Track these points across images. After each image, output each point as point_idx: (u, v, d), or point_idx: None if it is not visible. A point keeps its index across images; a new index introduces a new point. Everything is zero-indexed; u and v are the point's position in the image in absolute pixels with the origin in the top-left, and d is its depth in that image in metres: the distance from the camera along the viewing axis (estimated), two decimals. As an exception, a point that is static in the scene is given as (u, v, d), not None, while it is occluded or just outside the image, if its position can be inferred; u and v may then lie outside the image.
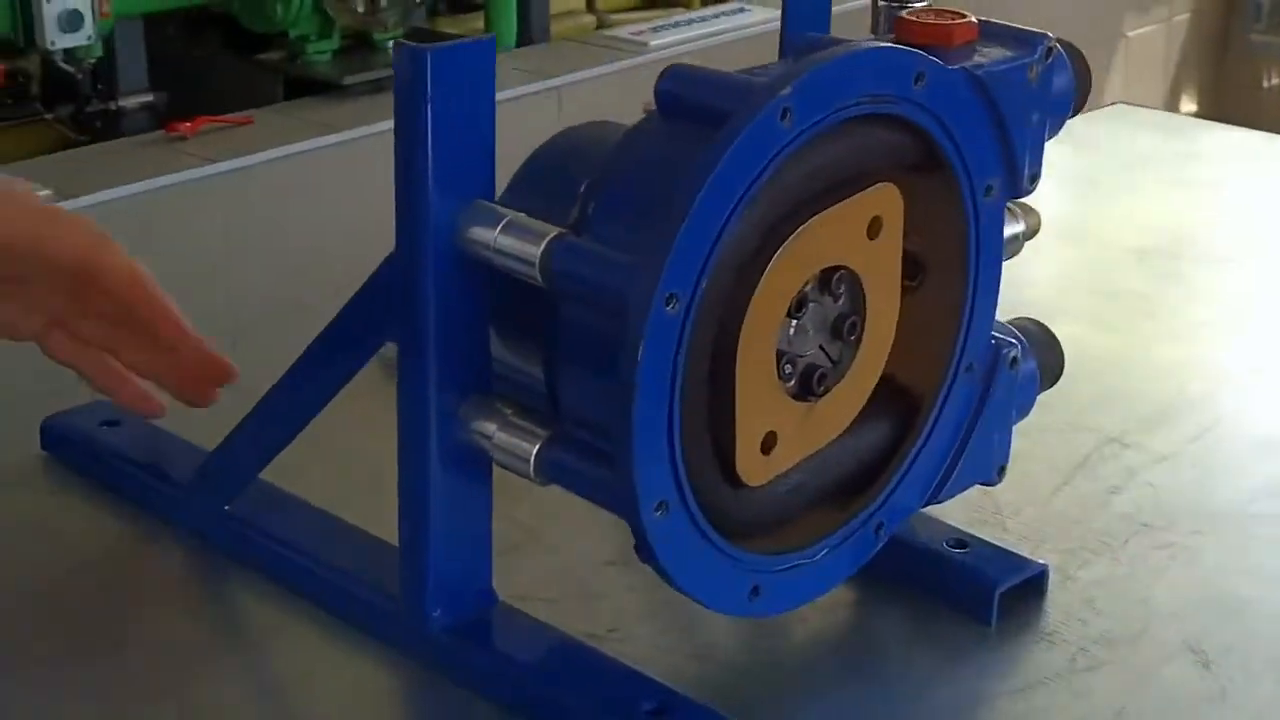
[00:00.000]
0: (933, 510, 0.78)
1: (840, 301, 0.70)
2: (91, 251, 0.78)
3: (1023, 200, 0.79)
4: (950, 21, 0.71)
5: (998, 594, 0.77)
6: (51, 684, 0.72)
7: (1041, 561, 0.80)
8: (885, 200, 0.69)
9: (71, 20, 2.46)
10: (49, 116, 2.65)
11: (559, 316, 0.66)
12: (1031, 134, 0.73)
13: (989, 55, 0.71)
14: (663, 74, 0.66)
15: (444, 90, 0.65)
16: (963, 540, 0.80)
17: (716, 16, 3.00)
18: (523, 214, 0.66)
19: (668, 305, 0.61)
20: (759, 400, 0.67)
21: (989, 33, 0.73)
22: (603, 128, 0.73)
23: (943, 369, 0.74)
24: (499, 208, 0.66)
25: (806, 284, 0.67)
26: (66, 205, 2.37)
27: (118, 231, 0.79)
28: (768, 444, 0.68)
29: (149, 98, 2.75)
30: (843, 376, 0.71)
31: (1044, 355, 0.81)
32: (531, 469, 0.68)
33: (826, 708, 0.73)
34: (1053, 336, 0.82)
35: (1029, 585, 0.79)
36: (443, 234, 0.66)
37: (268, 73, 2.91)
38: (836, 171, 0.67)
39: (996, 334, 0.77)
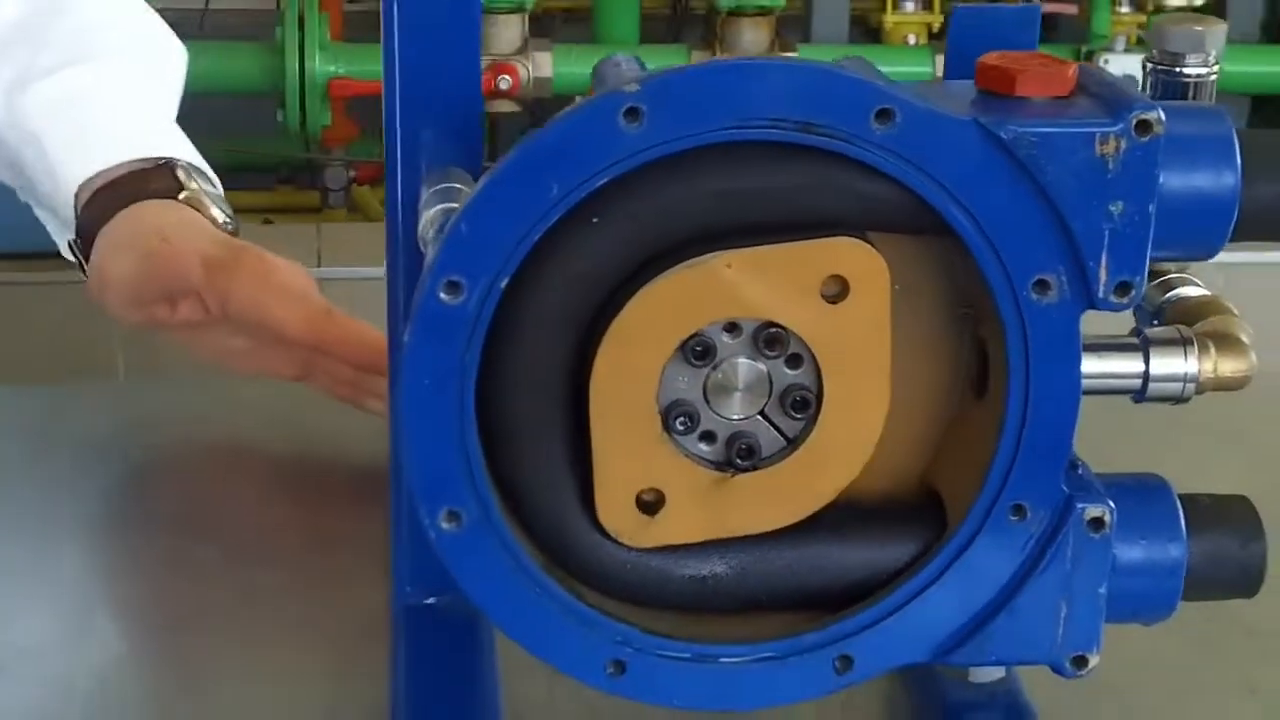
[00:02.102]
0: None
1: (798, 370, 0.58)
2: (309, 327, 0.87)
3: (1238, 336, 0.61)
4: (1021, 67, 0.57)
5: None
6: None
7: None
8: (851, 258, 0.57)
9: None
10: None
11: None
12: (1112, 227, 0.56)
13: (1058, 114, 0.56)
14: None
15: (415, 32, 0.62)
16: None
17: None
18: (466, 187, 0.62)
19: (444, 292, 0.55)
20: (627, 448, 0.58)
21: (1094, 92, 0.57)
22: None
23: (973, 500, 0.60)
24: (460, 174, 0.62)
25: (708, 329, 0.57)
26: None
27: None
28: (650, 503, 0.59)
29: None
30: (785, 459, 0.59)
31: (1221, 545, 0.62)
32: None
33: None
34: (1254, 525, 0.62)
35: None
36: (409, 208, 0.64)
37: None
38: (759, 207, 0.56)
39: (1093, 485, 0.60)
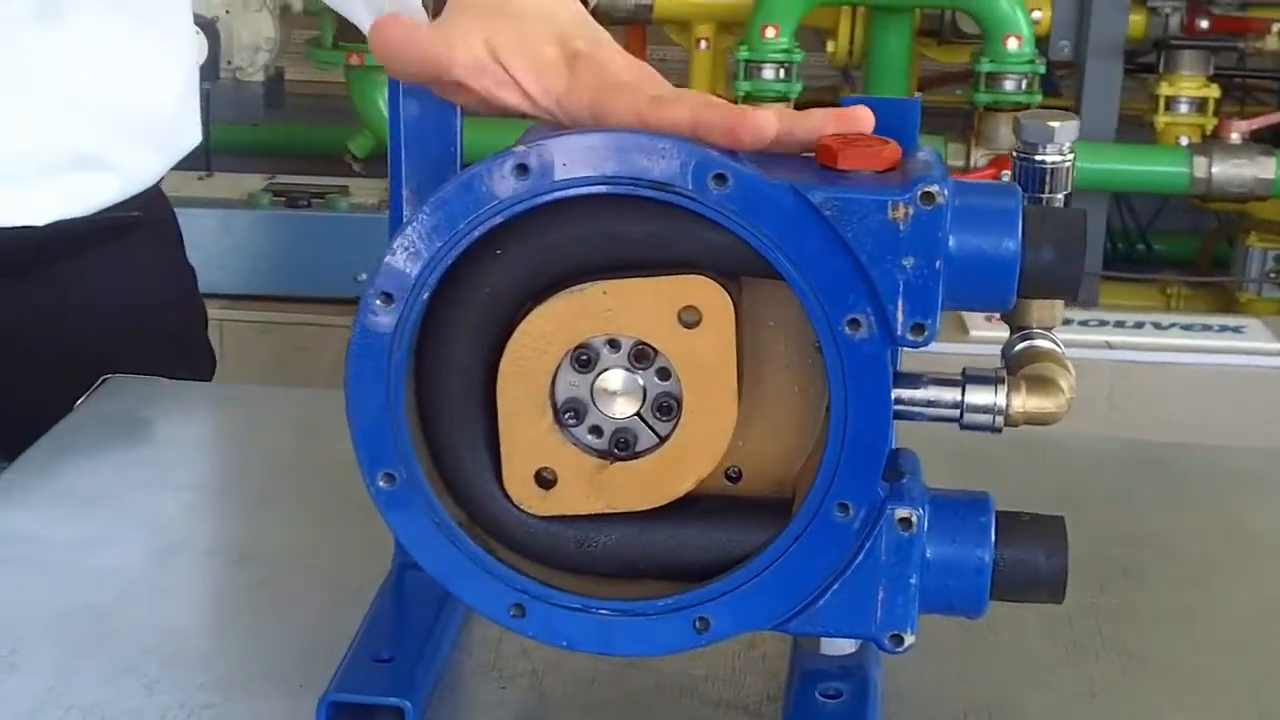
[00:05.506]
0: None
1: (668, 382, 0.73)
2: (637, 121, 0.76)
3: (1056, 380, 0.73)
4: (846, 145, 0.70)
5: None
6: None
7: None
8: (700, 293, 0.71)
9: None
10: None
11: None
12: (906, 278, 0.69)
13: (866, 184, 0.69)
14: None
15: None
16: (840, 691, 0.76)
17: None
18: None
19: (379, 301, 0.72)
20: (527, 434, 0.73)
21: (908, 169, 0.70)
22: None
23: (806, 498, 0.73)
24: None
25: (589, 343, 0.72)
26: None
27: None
28: (545, 480, 0.74)
29: None
30: (655, 453, 0.73)
31: (1028, 555, 0.73)
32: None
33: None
34: (1060, 540, 0.73)
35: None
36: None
37: None
38: (629, 248, 0.71)
39: (911, 492, 0.72)
